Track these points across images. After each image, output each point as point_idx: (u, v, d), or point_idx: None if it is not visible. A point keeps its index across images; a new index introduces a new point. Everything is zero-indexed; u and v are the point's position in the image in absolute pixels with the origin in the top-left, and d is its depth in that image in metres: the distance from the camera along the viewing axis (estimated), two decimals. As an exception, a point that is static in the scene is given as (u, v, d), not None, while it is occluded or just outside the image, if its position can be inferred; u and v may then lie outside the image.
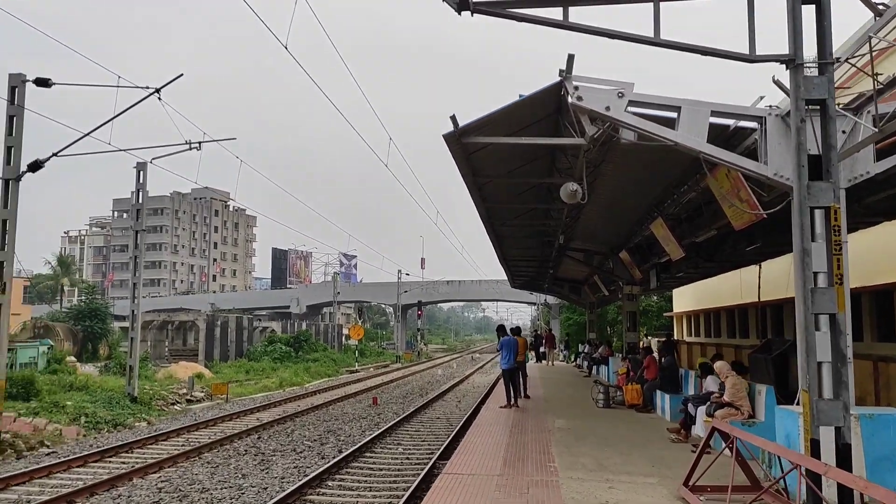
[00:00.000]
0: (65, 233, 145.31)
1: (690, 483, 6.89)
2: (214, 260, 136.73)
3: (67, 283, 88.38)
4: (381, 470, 12.89)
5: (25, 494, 11.27)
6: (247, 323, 60.81)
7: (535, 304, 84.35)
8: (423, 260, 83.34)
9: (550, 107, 9.68)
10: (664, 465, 8.79)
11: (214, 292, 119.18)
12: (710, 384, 10.61)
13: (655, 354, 17.65)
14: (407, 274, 68.81)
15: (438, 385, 32.31)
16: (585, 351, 30.93)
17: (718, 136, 8.86)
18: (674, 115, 8.19)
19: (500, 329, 17.09)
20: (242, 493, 10.99)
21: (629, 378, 16.41)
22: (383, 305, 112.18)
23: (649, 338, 35.80)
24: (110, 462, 14.06)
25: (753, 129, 8.83)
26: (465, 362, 56.55)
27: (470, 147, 9.39)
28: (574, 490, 7.17)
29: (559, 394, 18.47)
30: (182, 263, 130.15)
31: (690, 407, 10.67)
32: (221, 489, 11.29)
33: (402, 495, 10.57)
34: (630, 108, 8.17)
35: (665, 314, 39.93)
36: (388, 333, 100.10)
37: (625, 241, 18.97)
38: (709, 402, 9.80)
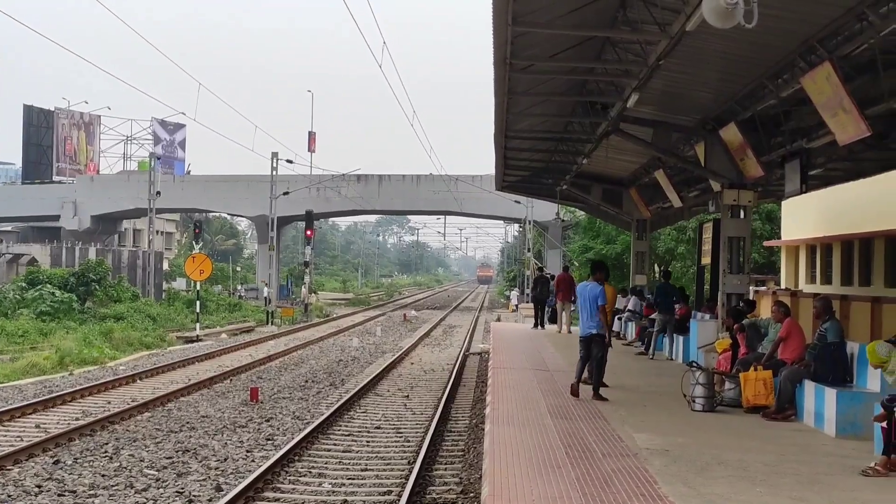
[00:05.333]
0: None
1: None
2: None
3: None
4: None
5: None
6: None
7: (518, 220, 50.72)
8: (311, 134, 50.56)
9: None
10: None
11: None
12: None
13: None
14: (289, 161, 38.66)
15: (358, 365, 20.13)
16: (630, 308, 18.51)
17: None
18: None
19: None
20: None
21: (739, 359, 9.72)
22: (235, 218, 75.89)
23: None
24: None
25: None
26: (393, 324, 35.62)
27: None
28: None
29: (612, 383, 10.69)
30: None
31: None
32: None
33: None
34: None
35: (765, 243, 26.65)
36: (245, 272, 64.70)
37: (737, 106, 11.36)
38: None
